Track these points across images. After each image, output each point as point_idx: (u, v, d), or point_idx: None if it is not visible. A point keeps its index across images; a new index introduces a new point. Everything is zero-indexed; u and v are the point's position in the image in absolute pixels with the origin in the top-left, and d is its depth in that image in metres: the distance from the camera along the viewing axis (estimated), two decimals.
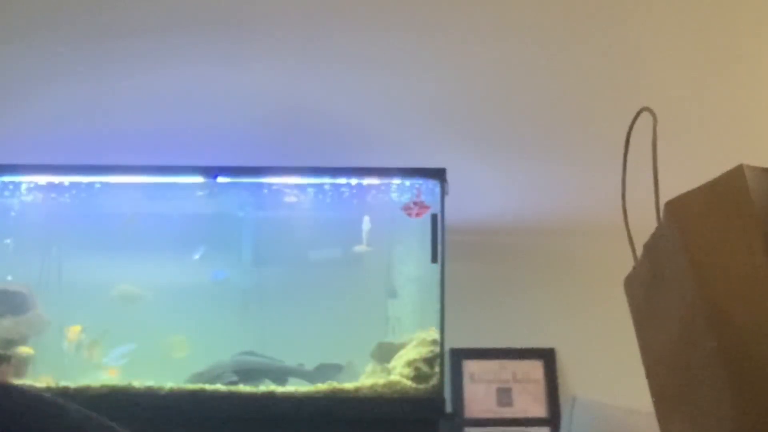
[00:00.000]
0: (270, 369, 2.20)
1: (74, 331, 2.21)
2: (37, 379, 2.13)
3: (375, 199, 2.30)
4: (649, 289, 0.96)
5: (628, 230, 1.07)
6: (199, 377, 2.15)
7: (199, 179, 2.27)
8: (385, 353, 2.23)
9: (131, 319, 2.26)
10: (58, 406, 0.74)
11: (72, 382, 2.10)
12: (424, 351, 2.15)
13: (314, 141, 2.45)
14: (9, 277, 2.27)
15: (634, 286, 1.01)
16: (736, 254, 0.82)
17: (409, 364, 2.13)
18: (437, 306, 2.15)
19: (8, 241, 2.30)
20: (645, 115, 1.02)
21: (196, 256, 2.29)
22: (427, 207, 2.21)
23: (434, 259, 2.16)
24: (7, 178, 2.27)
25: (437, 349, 2.14)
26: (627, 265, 1.05)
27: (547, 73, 2.27)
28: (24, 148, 2.40)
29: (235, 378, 2.15)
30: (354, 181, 2.29)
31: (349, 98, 2.33)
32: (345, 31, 2.14)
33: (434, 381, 2.11)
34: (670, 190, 0.92)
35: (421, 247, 2.21)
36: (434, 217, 2.19)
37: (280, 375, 2.20)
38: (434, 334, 2.16)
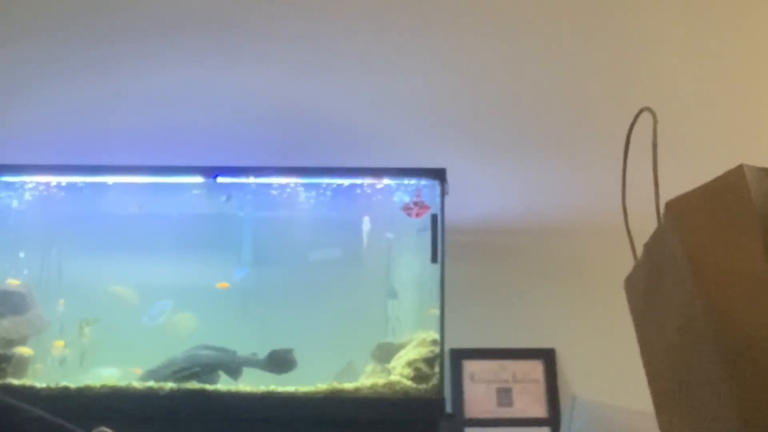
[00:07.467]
0: (223, 361, 2.19)
1: (58, 347, 2.21)
2: (37, 379, 2.13)
3: (375, 199, 2.30)
4: (649, 289, 0.96)
5: (628, 230, 1.07)
6: (152, 374, 2.14)
7: (199, 179, 2.27)
8: (385, 353, 2.23)
9: (131, 319, 2.26)
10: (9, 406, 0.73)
11: (72, 382, 2.10)
12: (424, 351, 2.15)
13: (314, 141, 2.44)
14: (14, 279, 2.27)
15: (634, 286, 1.01)
16: (735, 254, 0.82)
17: (409, 364, 2.13)
18: (437, 306, 2.15)
19: (8, 241, 2.30)
20: (645, 114, 1.02)
21: (239, 277, 2.30)
22: (427, 207, 2.21)
23: (434, 259, 2.16)
24: (7, 178, 2.28)
25: (437, 349, 2.14)
26: (627, 265, 1.05)
27: (548, 74, 2.27)
28: (24, 148, 2.40)
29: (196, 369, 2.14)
30: (354, 181, 2.28)
31: (350, 98, 2.33)
32: (345, 32, 2.14)
33: (434, 381, 2.11)
34: (670, 190, 0.92)
35: (420, 247, 2.21)
36: (434, 217, 2.19)
37: (234, 366, 2.19)
38: (434, 334, 2.16)
